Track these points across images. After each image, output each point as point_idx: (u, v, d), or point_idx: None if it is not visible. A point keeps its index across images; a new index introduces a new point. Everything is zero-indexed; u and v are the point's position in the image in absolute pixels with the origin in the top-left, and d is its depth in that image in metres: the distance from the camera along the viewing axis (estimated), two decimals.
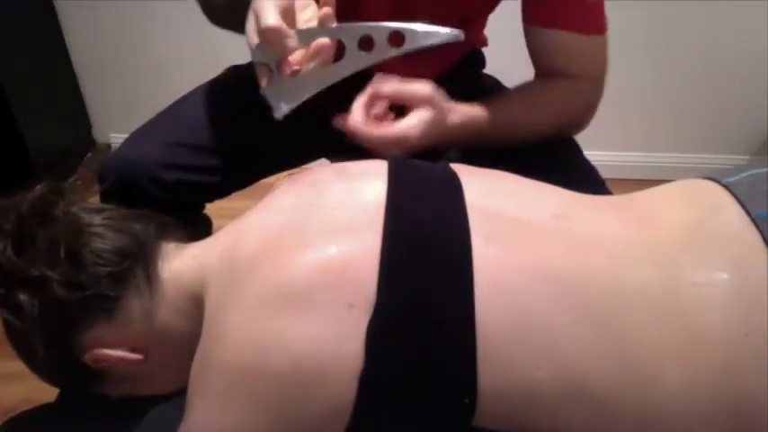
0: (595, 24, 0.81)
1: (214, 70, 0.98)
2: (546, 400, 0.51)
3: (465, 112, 0.75)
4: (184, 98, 0.93)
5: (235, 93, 0.92)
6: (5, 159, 1.65)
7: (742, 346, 0.48)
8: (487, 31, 0.98)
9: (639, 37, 1.66)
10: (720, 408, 0.49)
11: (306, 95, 0.61)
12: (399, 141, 0.70)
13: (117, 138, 1.97)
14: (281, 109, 0.61)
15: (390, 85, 0.70)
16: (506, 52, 0.97)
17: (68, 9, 1.80)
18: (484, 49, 1.01)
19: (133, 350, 0.62)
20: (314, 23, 0.62)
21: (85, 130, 1.99)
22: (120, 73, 1.89)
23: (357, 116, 0.68)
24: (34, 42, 1.75)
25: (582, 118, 0.85)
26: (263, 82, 0.62)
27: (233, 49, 1.01)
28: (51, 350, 0.60)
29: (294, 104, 0.61)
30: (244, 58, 0.98)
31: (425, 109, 0.71)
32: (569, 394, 0.50)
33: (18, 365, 0.65)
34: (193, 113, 0.89)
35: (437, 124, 0.71)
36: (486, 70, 1.03)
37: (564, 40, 0.80)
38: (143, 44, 1.83)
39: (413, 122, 0.70)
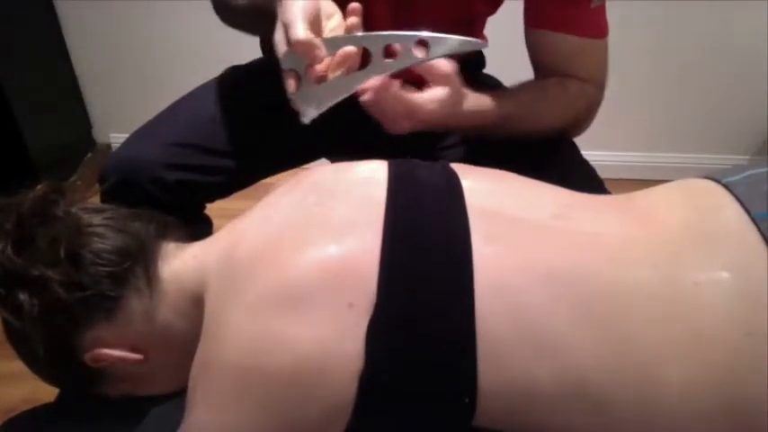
0: (597, 28, 0.82)
1: (214, 70, 0.98)
2: (546, 400, 0.51)
3: (477, 101, 0.75)
4: (184, 98, 0.93)
5: (235, 93, 0.92)
6: (5, 159, 1.65)
7: (743, 346, 0.48)
8: (487, 31, 0.98)
9: (639, 37, 1.66)
10: (721, 407, 0.48)
11: (333, 101, 0.63)
12: (410, 112, 0.69)
13: (117, 138, 1.97)
14: (310, 113, 0.64)
15: None
16: (506, 52, 0.97)
17: (68, 9, 1.80)
18: (484, 50, 1.01)
19: (133, 350, 0.62)
20: (339, 32, 0.63)
21: (85, 130, 1.99)
22: (120, 73, 1.89)
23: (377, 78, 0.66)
24: (34, 42, 1.75)
25: (584, 119, 0.85)
26: (292, 87, 0.63)
27: (233, 49, 1.02)
28: (51, 350, 0.60)
29: (322, 109, 0.63)
30: (243, 58, 0.99)
31: (442, 87, 0.70)
32: (569, 394, 0.50)
33: (18, 365, 0.65)
34: (194, 113, 0.89)
35: (450, 105, 0.71)
36: (486, 70, 1.03)
37: (567, 44, 0.80)
38: (143, 44, 1.83)
39: (427, 97, 0.69)
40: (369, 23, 0.67)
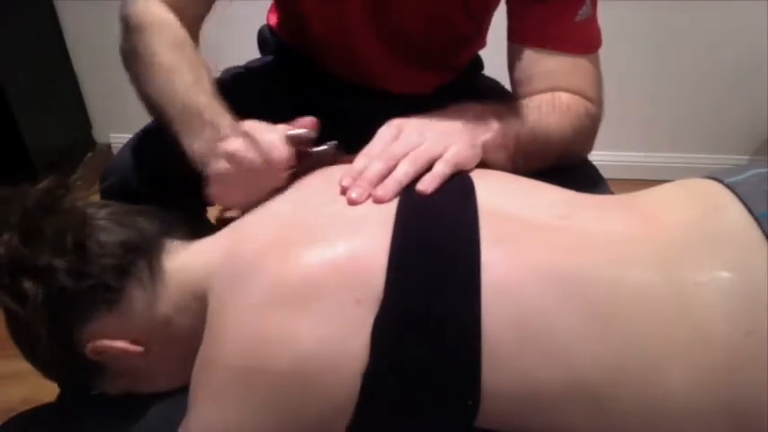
0: (585, 43, 0.76)
1: (212, 71, 0.97)
2: (548, 401, 0.51)
3: (490, 109, 0.70)
4: None
5: (233, 94, 0.91)
6: (5, 159, 1.65)
7: (744, 346, 0.48)
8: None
9: (639, 37, 1.66)
10: (722, 407, 0.48)
11: None
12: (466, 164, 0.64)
13: (117, 138, 1.97)
14: None
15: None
16: (506, 53, 0.97)
17: (68, 9, 1.79)
18: (483, 51, 1.01)
19: (134, 343, 0.61)
20: None
21: (85, 130, 1.99)
22: (120, 73, 1.86)
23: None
24: (34, 42, 1.75)
25: (589, 140, 0.79)
26: None
27: (232, 50, 1.02)
28: (53, 341, 0.60)
29: None
30: (243, 58, 0.99)
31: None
32: (572, 395, 0.50)
33: (18, 365, 0.65)
34: None
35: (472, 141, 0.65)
36: (486, 71, 1.02)
37: (553, 61, 0.74)
38: None
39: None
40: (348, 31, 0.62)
